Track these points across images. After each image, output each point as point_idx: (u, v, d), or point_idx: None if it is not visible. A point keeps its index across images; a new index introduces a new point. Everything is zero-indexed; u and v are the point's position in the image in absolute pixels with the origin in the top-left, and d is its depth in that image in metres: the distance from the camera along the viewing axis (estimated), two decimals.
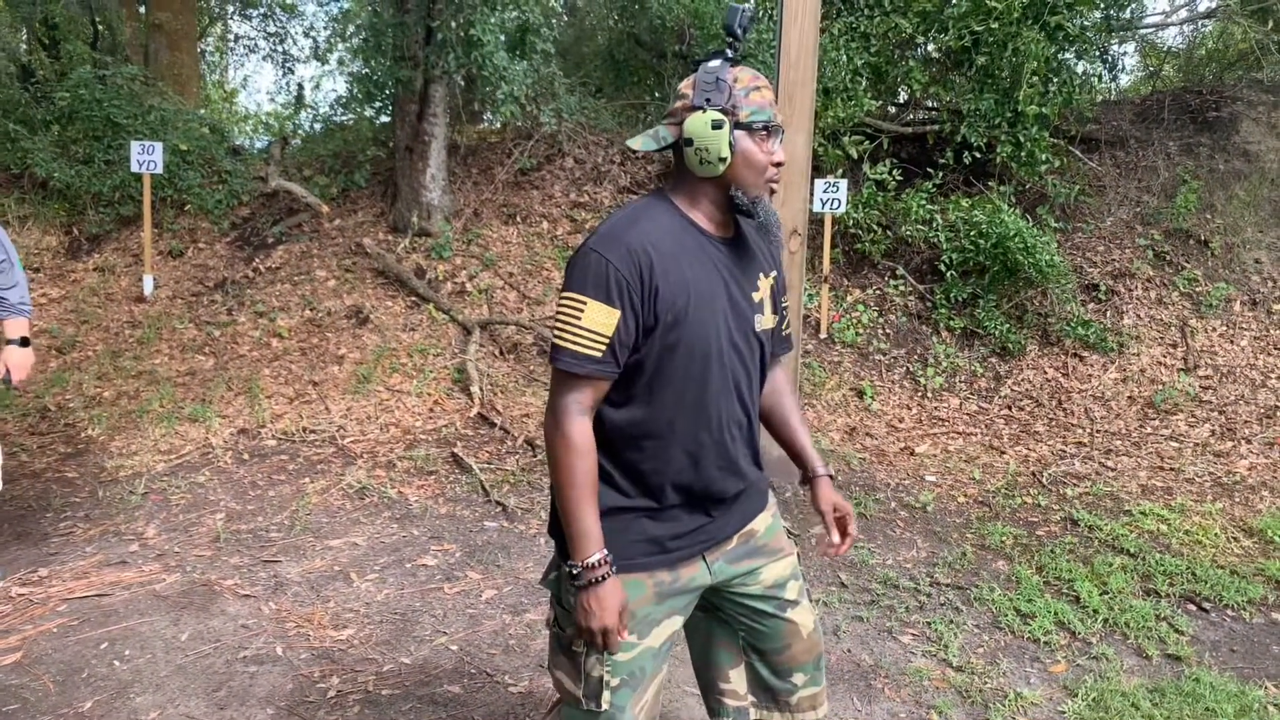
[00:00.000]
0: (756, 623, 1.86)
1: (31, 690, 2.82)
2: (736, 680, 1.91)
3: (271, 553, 3.87)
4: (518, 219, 7.41)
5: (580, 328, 1.58)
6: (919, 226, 6.84)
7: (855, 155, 6.99)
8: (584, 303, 1.57)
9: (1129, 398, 5.97)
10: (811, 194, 5.74)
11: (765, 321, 1.79)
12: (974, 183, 7.37)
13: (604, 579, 1.60)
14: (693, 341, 1.63)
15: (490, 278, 6.81)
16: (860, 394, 6.05)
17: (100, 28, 10.52)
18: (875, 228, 6.97)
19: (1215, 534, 4.24)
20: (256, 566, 3.74)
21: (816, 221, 6.50)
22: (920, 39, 7.50)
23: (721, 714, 1.93)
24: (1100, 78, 8.32)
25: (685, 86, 1.68)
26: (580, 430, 1.61)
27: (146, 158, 6.81)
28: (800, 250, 4.63)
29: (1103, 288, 6.68)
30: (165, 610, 3.34)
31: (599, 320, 1.57)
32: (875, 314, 6.75)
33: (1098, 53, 7.76)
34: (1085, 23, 6.97)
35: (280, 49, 12.84)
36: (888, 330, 6.64)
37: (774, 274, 1.85)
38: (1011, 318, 6.58)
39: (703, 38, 7.87)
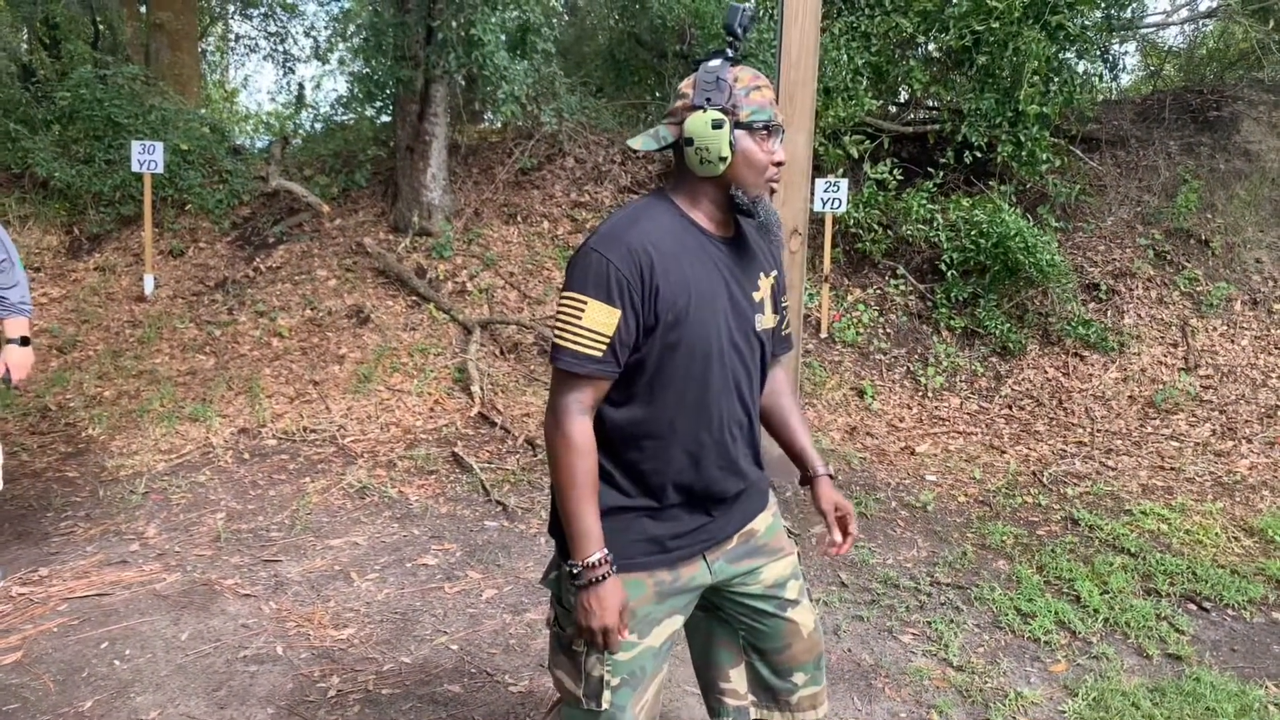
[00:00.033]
0: (757, 622, 1.86)
1: (32, 690, 2.82)
2: (737, 680, 1.91)
3: (272, 552, 3.87)
4: (518, 218, 7.41)
5: (581, 327, 1.58)
6: (920, 226, 6.84)
7: (856, 155, 6.99)
8: (584, 302, 1.57)
9: (1129, 397, 5.97)
10: (812, 193, 5.74)
11: (766, 321, 1.79)
12: (975, 182, 7.37)
13: (604, 578, 1.60)
14: (693, 341, 1.63)
15: (491, 277, 6.81)
16: (861, 393, 6.05)
17: (101, 27, 10.52)
18: (876, 227, 6.97)
19: (1216, 533, 4.24)
20: (257, 566, 3.74)
21: (817, 221, 6.50)
22: (921, 38, 7.49)
23: (722, 713, 1.93)
24: (1101, 77, 8.32)
25: (686, 86, 1.68)
26: (581, 430, 1.61)
27: (147, 157, 6.81)
28: (801, 250, 4.63)
29: (1103, 287, 6.68)
30: (166, 610, 3.35)
31: (599, 320, 1.57)
32: (876, 313, 6.75)
33: (1099, 52, 7.75)
34: (1086, 22, 6.96)
35: (281, 49, 12.85)
36: (888, 330, 6.64)
37: (774, 273, 1.85)
38: (1012, 317, 6.58)
39: (703, 37, 7.87)
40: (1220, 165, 7.32)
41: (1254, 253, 6.81)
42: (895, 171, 6.93)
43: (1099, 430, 5.65)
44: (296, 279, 6.82)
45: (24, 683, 2.86)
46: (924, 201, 6.83)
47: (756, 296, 1.76)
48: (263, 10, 12.89)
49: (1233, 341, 6.28)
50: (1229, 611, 3.56)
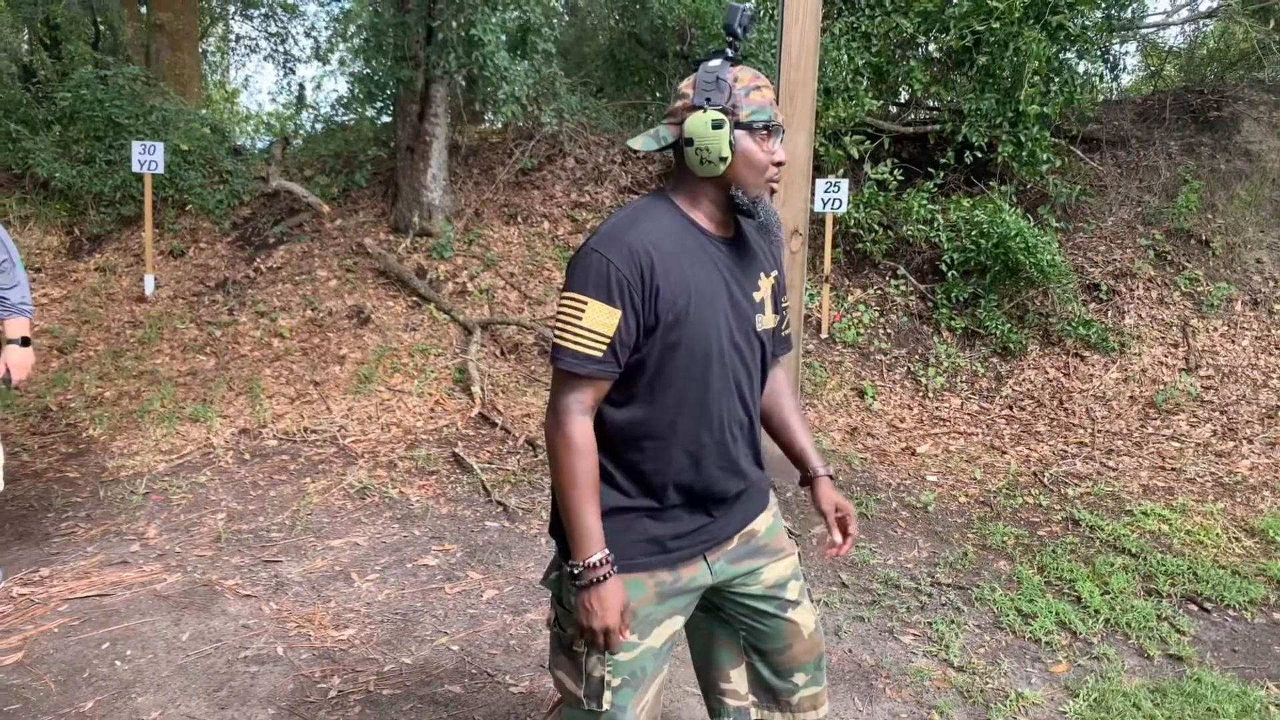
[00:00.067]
0: (757, 623, 1.86)
1: (33, 690, 2.82)
2: (737, 680, 1.91)
3: (272, 553, 3.87)
4: (519, 219, 7.41)
5: (581, 328, 1.58)
6: (920, 226, 6.84)
7: (856, 155, 6.99)
8: (585, 303, 1.57)
9: (1130, 398, 5.97)
10: (812, 194, 5.75)
11: (766, 321, 1.79)
12: (975, 182, 7.37)
13: (605, 578, 1.60)
14: (694, 341, 1.63)
15: (491, 278, 6.81)
16: (861, 394, 6.05)
17: (102, 28, 10.53)
18: (876, 227, 6.97)
19: (1217, 534, 4.23)
20: (257, 566, 3.74)
21: (817, 221, 6.50)
22: (921, 39, 7.49)
23: (722, 714, 1.93)
24: (1101, 77, 8.33)
25: (686, 86, 1.68)
26: (581, 430, 1.61)
27: (148, 158, 6.81)
28: (801, 250, 4.63)
29: (1104, 287, 6.67)
30: (166, 610, 3.35)
31: (600, 320, 1.57)
32: (876, 314, 6.75)
33: (1099, 52, 7.75)
34: (1086, 22, 6.96)
35: (281, 49, 12.85)
36: (889, 330, 6.64)
37: (775, 274, 1.85)
38: (1013, 318, 6.58)
39: (704, 37, 7.88)
40: (1221, 165, 7.32)
41: (1255, 253, 6.80)
42: (896, 172, 6.93)
43: (1100, 431, 5.65)
44: (297, 279, 6.82)
45: (25, 683, 2.86)
46: (924, 202, 6.83)
47: (757, 297, 1.76)
48: (263, 10, 12.90)
49: (1233, 342, 6.28)
50: (1230, 612, 3.56)
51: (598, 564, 1.60)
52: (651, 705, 1.74)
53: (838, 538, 1.86)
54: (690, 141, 1.62)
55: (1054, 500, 4.68)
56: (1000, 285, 6.62)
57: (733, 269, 1.71)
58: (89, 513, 4.25)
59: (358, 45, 8.73)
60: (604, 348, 1.58)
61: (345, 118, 8.69)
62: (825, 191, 6.29)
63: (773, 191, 1.71)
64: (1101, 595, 3.60)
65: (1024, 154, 6.87)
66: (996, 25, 6.65)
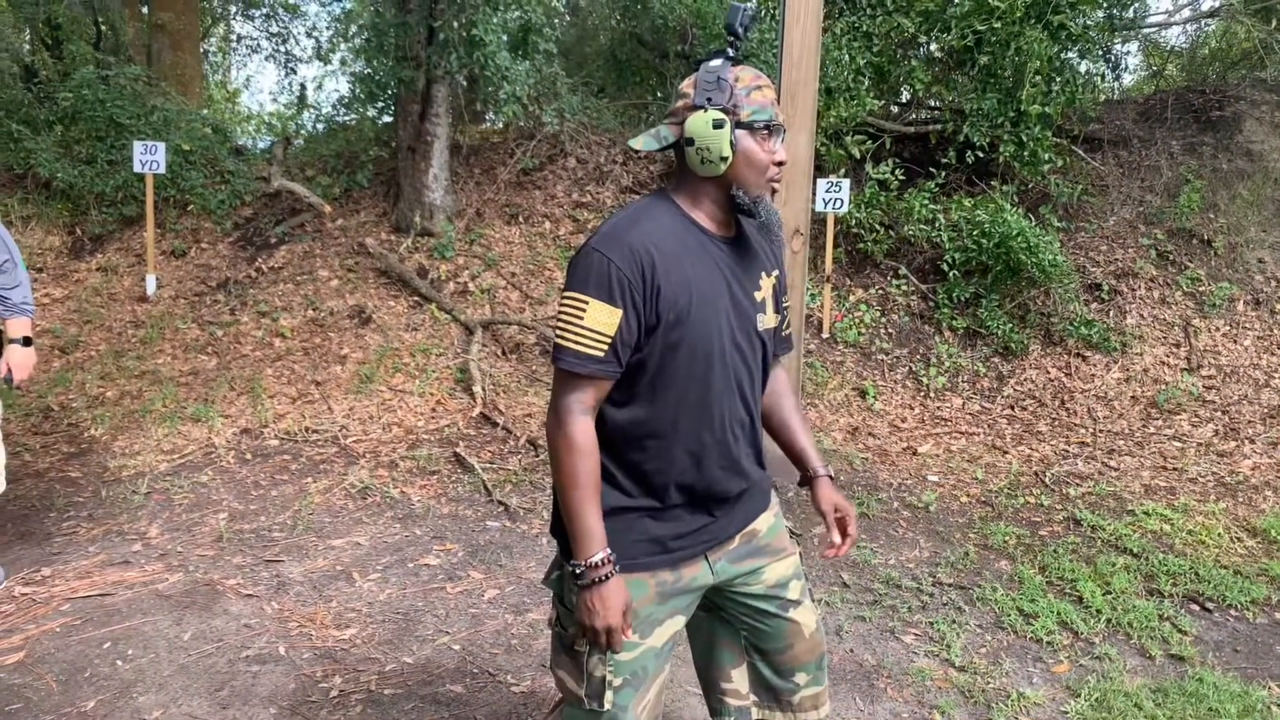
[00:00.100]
0: (759, 622, 1.86)
1: (34, 689, 2.82)
2: (739, 680, 1.91)
3: (274, 552, 3.87)
4: (520, 219, 7.41)
5: (582, 327, 1.58)
6: (921, 226, 6.83)
7: (858, 155, 6.99)
8: (586, 302, 1.57)
9: (1132, 397, 5.97)
10: (814, 193, 5.74)
11: (767, 321, 1.79)
12: (977, 182, 7.37)
13: (607, 578, 1.60)
14: (695, 341, 1.63)
15: (492, 277, 6.81)
16: (863, 394, 6.04)
17: (103, 28, 10.54)
18: (878, 227, 6.96)
19: (1219, 534, 4.23)
20: (259, 566, 3.74)
21: (819, 221, 6.50)
22: (923, 38, 7.49)
23: (723, 713, 1.93)
24: (1103, 77, 8.32)
25: (687, 86, 1.68)
26: (582, 430, 1.61)
27: (149, 158, 6.82)
28: (803, 250, 4.63)
29: (1105, 287, 6.67)
30: (168, 610, 3.35)
31: (601, 320, 1.57)
32: (878, 314, 6.75)
33: (1101, 52, 7.75)
34: (1088, 22, 6.96)
35: (283, 49, 12.85)
36: (890, 330, 6.63)
37: (776, 273, 1.85)
38: (1014, 317, 6.58)
39: (705, 37, 7.88)
40: (1223, 165, 7.31)
41: (1257, 253, 6.80)
42: (897, 171, 6.93)
43: (1101, 430, 5.65)
44: (298, 279, 6.82)
45: (27, 683, 2.86)
46: (926, 201, 6.83)
47: (758, 296, 1.76)
48: (264, 11, 12.91)
49: (1235, 342, 6.27)
50: (1232, 612, 3.56)
51: (600, 563, 1.59)
52: (653, 705, 1.74)
53: (836, 538, 1.86)
54: (691, 141, 1.62)
55: (1055, 500, 4.67)
56: (1002, 285, 6.62)
57: (734, 269, 1.71)
58: (91, 512, 4.26)
59: (359, 45, 8.73)
60: (605, 347, 1.58)
61: (347, 118, 8.70)
62: (826, 191, 6.29)
63: (774, 191, 1.71)
64: (1103, 595, 3.60)
65: (1025, 154, 6.86)
66: (998, 25, 6.65)
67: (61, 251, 7.36)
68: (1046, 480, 4.94)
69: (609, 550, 1.61)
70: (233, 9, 13.68)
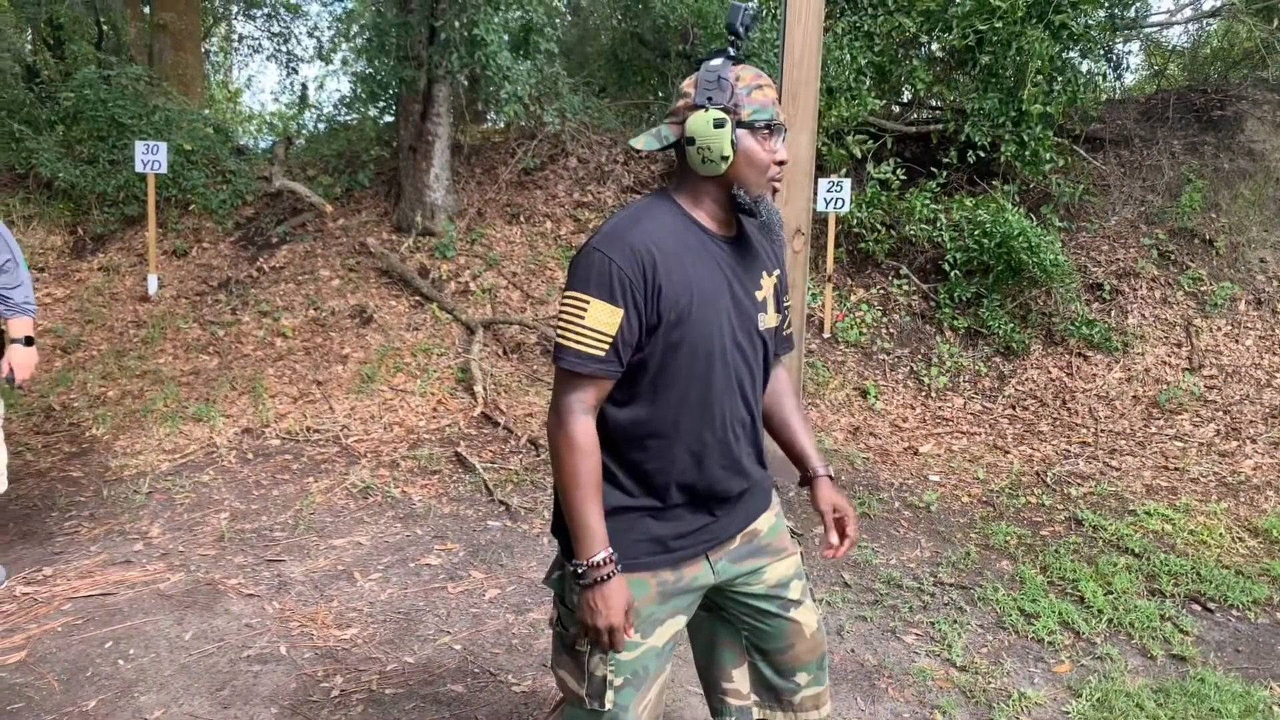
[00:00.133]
0: (760, 622, 1.86)
1: (36, 689, 2.83)
2: (739, 680, 1.91)
3: (275, 552, 3.87)
4: (521, 219, 7.41)
5: (584, 327, 1.57)
6: (923, 226, 6.83)
7: (859, 154, 6.99)
8: (587, 302, 1.57)
9: (1133, 397, 5.96)
10: (815, 193, 5.74)
11: (768, 320, 1.79)
12: (978, 182, 7.36)
13: (609, 577, 1.60)
14: (696, 340, 1.63)
15: (494, 277, 6.81)
16: (864, 393, 6.04)
17: (105, 28, 10.55)
18: (879, 227, 6.96)
19: (1220, 534, 4.23)
20: (260, 566, 3.74)
21: (820, 221, 6.49)
22: (924, 38, 7.49)
23: (724, 713, 1.93)
24: (1105, 76, 8.31)
25: (687, 85, 1.68)
26: (583, 429, 1.61)
27: (151, 158, 6.82)
28: (804, 250, 4.62)
29: (1107, 287, 6.66)
30: (169, 609, 3.35)
31: (602, 319, 1.57)
32: (879, 313, 6.75)
33: (1102, 51, 7.74)
34: (1090, 21, 6.95)
35: (284, 49, 12.85)
36: (891, 330, 6.63)
37: (777, 273, 1.84)
38: (1015, 317, 6.57)
39: (706, 37, 7.88)
40: (1224, 165, 7.30)
41: (1258, 252, 6.79)
42: (898, 171, 6.93)
43: (1103, 430, 5.64)
44: (300, 279, 6.82)
45: (28, 682, 2.86)
46: (927, 201, 6.82)
47: (759, 296, 1.76)
48: (266, 11, 12.91)
49: (1237, 341, 6.27)
50: (1233, 612, 3.55)
51: (602, 563, 1.59)
52: (654, 705, 1.74)
53: (834, 539, 1.85)
54: (692, 140, 1.62)
55: (1057, 500, 4.67)
56: (1003, 285, 6.61)
57: (735, 268, 1.71)
58: (92, 512, 4.26)
59: (360, 45, 8.74)
60: (606, 347, 1.58)
61: (348, 117, 8.70)
62: (828, 191, 6.29)
63: (775, 191, 1.71)
64: (1104, 595, 3.59)
65: (1027, 153, 6.86)
66: (999, 24, 6.64)
67: (63, 251, 7.37)
68: (1048, 480, 4.94)
69: (610, 550, 1.61)
70: (234, 9, 13.69)
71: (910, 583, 3.72)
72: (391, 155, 7.78)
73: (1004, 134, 6.87)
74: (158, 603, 3.40)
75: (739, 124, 1.63)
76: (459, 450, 4.94)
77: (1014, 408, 5.99)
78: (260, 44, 15.33)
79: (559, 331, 1.60)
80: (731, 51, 1.66)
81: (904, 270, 6.98)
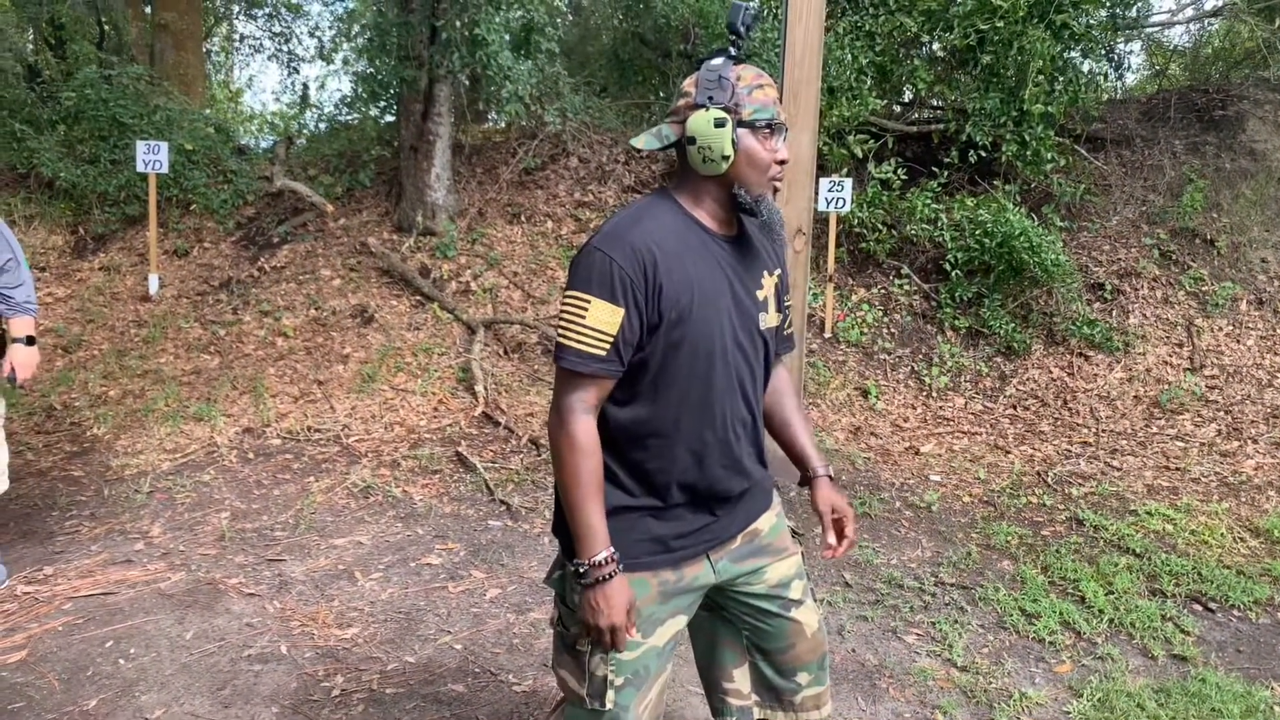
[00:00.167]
0: (760, 622, 1.86)
1: (37, 688, 2.83)
2: (740, 679, 1.91)
3: (276, 551, 3.87)
4: (522, 218, 7.41)
5: (584, 326, 1.57)
6: (924, 225, 6.83)
7: (860, 154, 6.98)
8: (588, 301, 1.57)
9: (1135, 397, 5.96)
10: (816, 193, 5.74)
11: (769, 320, 1.78)
12: (979, 182, 7.36)
13: (611, 577, 1.60)
14: (697, 339, 1.63)
15: (495, 277, 6.81)
16: (865, 393, 6.04)
17: (106, 28, 10.55)
18: (880, 227, 6.96)
19: (1221, 534, 4.22)
20: (261, 565, 3.74)
21: (821, 220, 6.49)
22: (925, 38, 7.48)
23: (725, 713, 1.93)
24: (1106, 76, 8.30)
25: (688, 85, 1.68)
26: (585, 429, 1.61)
27: (152, 157, 6.82)
28: (805, 249, 4.62)
29: (1108, 287, 6.66)
30: (170, 609, 3.35)
31: (603, 319, 1.57)
32: (880, 313, 6.74)
33: (1103, 51, 7.73)
34: (1091, 21, 6.95)
35: (285, 49, 12.86)
36: (892, 329, 6.63)
37: (778, 272, 1.84)
38: (1017, 317, 6.57)
39: (707, 37, 7.87)
40: (1226, 164, 7.30)
41: (1260, 252, 6.79)
42: (899, 171, 6.92)
43: (1104, 430, 5.64)
44: (301, 279, 6.83)
45: (29, 681, 2.86)
46: (928, 201, 6.82)
47: (760, 295, 1.76)
48: (267, 10, 12.91)
49: (1238, 341, 6.26)
50: (1234, 612, 3.55)
51: (603, 562, 1.59)
52: (654, 704, 1.74)
53: (832, 539, 1.85)
54: (693, 140, 1.62)
55: (1058, 500, 4.67)
56: (1004, 285, 6.61)
57: (736, 268, 1.71)
58: (93, 511, 4.26)
59: (362, 45, 8.74)
60: (607, 346, 1.58)
61: (349, 117, 8.70)
62: (829, 191, 6.29)
63: (776, 190, 1.71)
64: (1106, 595, 3.59)
65: (1028, 153, 6.86)
66: (1001, 24, 6.64)
67: (64, 251, 7.37)
68: (1049, 480, 4.94)
69: (612, 549, 1.61)
70: (235, 9, 13.70)
71: (911, 583, 3.72)
72: (392, 155, 7.78)
73: (1005, 134, 6.87)
74: (158, 602, 3.40)
75: (740, 123, 1.63)
76: (460, 450, 4.94)
77: (1015, 408, 5.99)
78: (261, 44, 15.35)
79: (560, 331, 1.60)
80: (733, 51, 1.66)
81: (905, 270, 6.98)
